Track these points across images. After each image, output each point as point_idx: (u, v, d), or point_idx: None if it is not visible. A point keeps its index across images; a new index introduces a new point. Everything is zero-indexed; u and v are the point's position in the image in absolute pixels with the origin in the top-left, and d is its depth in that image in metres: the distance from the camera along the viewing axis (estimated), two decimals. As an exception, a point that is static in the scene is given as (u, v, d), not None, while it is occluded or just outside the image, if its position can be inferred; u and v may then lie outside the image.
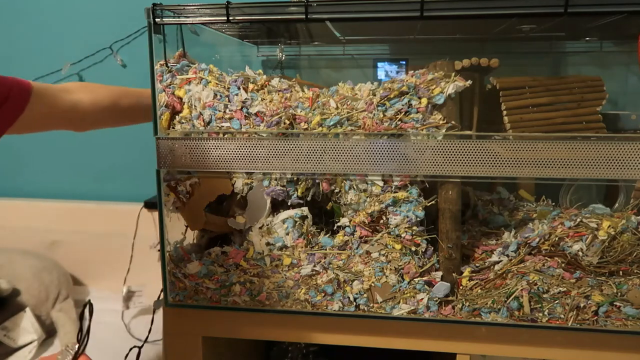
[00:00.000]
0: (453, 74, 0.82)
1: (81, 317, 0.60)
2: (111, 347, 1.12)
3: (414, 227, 0.83)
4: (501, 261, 0.86)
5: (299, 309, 0.85)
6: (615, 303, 0.78)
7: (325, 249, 0.88)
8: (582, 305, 0.79)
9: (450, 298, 0.83)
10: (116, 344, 1.16)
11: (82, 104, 0.88)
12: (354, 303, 0.83)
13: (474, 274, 0.85)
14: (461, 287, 0.85)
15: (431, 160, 0.80)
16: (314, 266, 0.86)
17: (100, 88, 0.92)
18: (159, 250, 0.88)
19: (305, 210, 0.91)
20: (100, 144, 1.51)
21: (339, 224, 0.89)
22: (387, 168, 0.82)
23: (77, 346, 0.62)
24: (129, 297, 1.37)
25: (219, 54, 1.12)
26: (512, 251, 0.86)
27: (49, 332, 1.26)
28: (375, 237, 0.85)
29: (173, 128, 0.88)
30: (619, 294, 0.79)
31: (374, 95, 0.85)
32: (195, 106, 0.88)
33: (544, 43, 1.18)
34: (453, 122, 0.81)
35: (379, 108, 0.83)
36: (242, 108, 0.87)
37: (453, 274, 0.85)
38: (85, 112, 0.88)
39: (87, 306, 0.60)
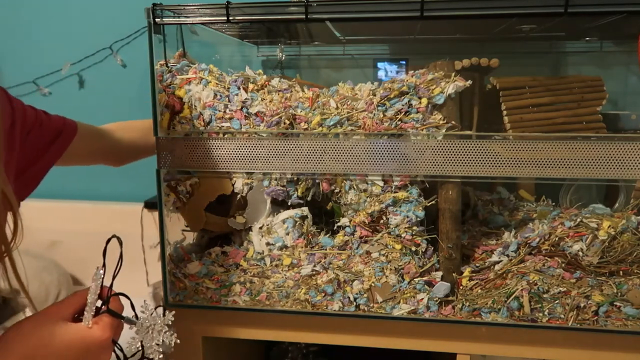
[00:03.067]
0: (453, 74, 0.82)
1: (104, 253, 0.58)
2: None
3: (414, 227, 0.83)
4: (501, 261, 0.86)
5: (299, 309, 0.85)
6: (615, 303, 0.78)
7: (326, 249, 0.88)
8: (582, 305, 0.79)
9: (450, 298, 0.83)
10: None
11: (120, 144, 0.93)
12: (354, 303, 0.83)
13: (474, 274, 0.85)
14: (461, 287, 0.85)
15: (431, 160, 0.80)
16: (314, 266, 0.86)
17: (136, 125, 0.97)
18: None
19: (305, 210, 0.91)
20: (100, 144, 1.50)
21: (339, 224, 0.89)
22: (387, 168, 0.82)
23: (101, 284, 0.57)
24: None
25: (219, 54, 1.12)
26: (512, 251, 0.86)
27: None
28: (376, 237, 0.85)
29: (173, 128, 0.88)
30: (619, 294, 0.79)
31: (374, 95, 0.85)
32: (195, 106, 0.88)
33: (544, 43, 1.18)
34: (453, 122, 0.81)
35: (379, 108, 0.83)
36: (242, 108, 0.87)
37: (453, 274, 0.85)
38: (122, 151, 0.94)
39: (114, 238, 0.59)
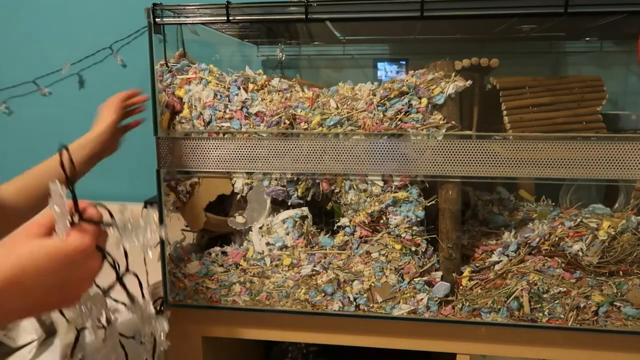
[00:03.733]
0: (453, 74, 0.82)
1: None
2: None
3: (414, 227, 0.83)
4: (501, 261, 0.86)
5: (299, 309, 0.85)
6: (615, 303, 0.78)
7: (325, 249, 0.88)
8: (582, 305, 0.79)
9: (450, 298, 0.83)
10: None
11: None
12: (354, 303, 0.83)
13: (474, 274, 0.85)
14: (461, 287, 0.85)
15: (431, 160, 0.80)
16: (314, 266, 0.86)
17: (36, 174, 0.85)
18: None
19: (305, 210, 0.91)
20: (100, 144, 1.50)
21: (339, 224, 0.89)
22: (387, 168, 0.82)
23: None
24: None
25: (219, 54, 1.12)
26: (512, 251, 0.86)
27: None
28: (375, 237, 0.85)
29: (173, 128, 0.88)
30: (619, 294, 0.79)
31: (374, 95, 0.85)
32: (195, 106, 0.88)
33: (544, 43, 1.18)
34: (453, 122, 0.81)
35: (379, 108, 0.83)
36: (242, 108, 0.87)
37: (453, 274, 0.85)
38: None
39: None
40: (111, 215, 0.56)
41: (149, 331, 0.59)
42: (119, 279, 0.58)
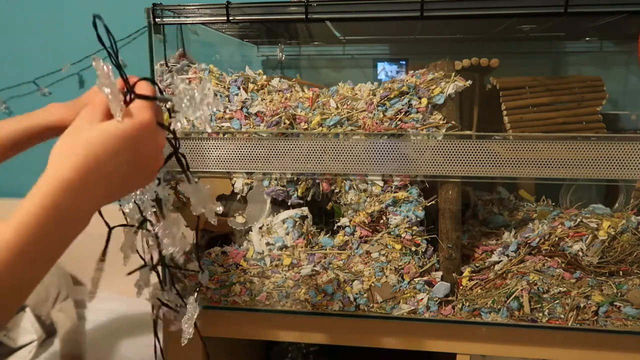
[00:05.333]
0: (453, 74, 0.82)
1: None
2: (109, 346, 1.12)
3: (414, 227, 0.83)
4: (501, 261, 0.86)
5: (299, 309, 0.85)
6: (615, 303, 0.78)
7: (325, 249, 0.88)
8: (582, 305, 0.79)
9: (450, 298, 0.83)
10: (113, 343, 1.16)
11: None
12: (354, 303, 0.83)
13: (474, 274, 0.85)
14: (461, 287, 0.85)
15: (431, 160, 0.80)
16: (314, 266, 0.86)
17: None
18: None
19: (305, 210, 0.91)
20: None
21: (339, 224, 0.89)
22: (387, 168, 0.82)
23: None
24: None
25: (219, 54, 1.12)
26: (512, 251, 0.86)
27: (49, 332, 1.26)
28: (375, 237, 0.85)
29: (173, 128, 0.88)
30: (619, 294, 0.79)
31: (374, 95, 0.85)
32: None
33: (544, 43, 1.18)
34: (453, 122, 0.81)
35: (379, 108, 0.83)
36: (242, 108, 0.87)
37: (453, 274, 0.85)
38: None
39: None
40: (161, 91, 0.54)
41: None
42: (175, 155, 0.58)
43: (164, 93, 0.55)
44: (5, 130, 0.71)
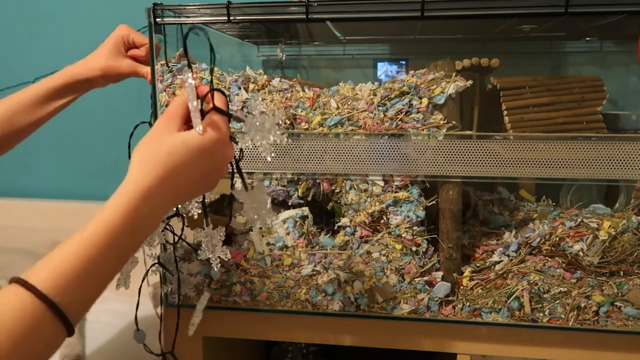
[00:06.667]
0: (454, 74, 0.82)
1: (185, 48, 0.57)
2: (110, 346, 1.12)
3: (415, 227, 0.83)
4: (502, 261, 0.86)
5: (299, 309, 0.85)
6: (615, 303, 0.78)
7: (326, 249, 0.88)
8: (582, 305, 0.79)
9: (450, 298, 0.83)
10: (114, 344, 1.16)
11: None
12: (355, 303, 0.83)
13: (475, 274, 0.85)
14: (462, 287, 0.85)
15: (432, 160, 0.80)
16: (315, 266, 0.86)
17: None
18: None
19: (305, 210, 0.91)
20: (101, 144, 1.51)
21: (339, 224, 0.89)
22: (387, 168, 0.82)
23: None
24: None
25: (219, 54, 1.12)
26: (512, 251, 0.86)
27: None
28: (376, 237, 0.85)
29: (173, 128, 0.88)
30: (620, 294, 0.79)
31: (375, 95, 0.85)
32: (195, 106, 0.88)
33: (544, 43, 1.18)
34: (454, 122, 0.81)
35: (380, 108, 0.83)
36: (242, 108, 0.87)
37: (454, 274, 0.85)
38: None
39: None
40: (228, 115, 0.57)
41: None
42: (237, 163, 0.61)
43: (230, 105, 0.59)
44: (50, 82, 0.87)
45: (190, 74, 0.52)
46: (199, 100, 0.53)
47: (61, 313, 0.43)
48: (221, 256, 0.63)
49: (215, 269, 0.65)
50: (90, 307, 0.48)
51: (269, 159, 0.58)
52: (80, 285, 0.45)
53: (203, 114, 0.53)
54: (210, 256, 0.62)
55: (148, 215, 0.50)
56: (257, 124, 0.56)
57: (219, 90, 0.56)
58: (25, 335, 0.41)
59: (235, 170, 0.61)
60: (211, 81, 0.57)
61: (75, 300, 0.45)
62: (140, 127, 1.03)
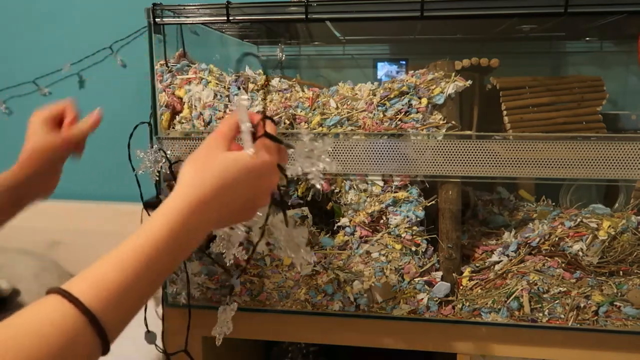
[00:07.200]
0: (453, 74, 0.82)
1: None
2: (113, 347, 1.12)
3: (414, 227, 0.83)
4: (501, 261, 0.86)
5: (299, 309, 0.85)
6: (615, 303, 0.78)
7: (326, 249, 0.88)
8: (582, 305, 0.79)
9: (450, 298, 0.83)
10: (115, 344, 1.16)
11: None
12: (354, 303, 0.83)
13: (474, 274, 0.85)
14: (461, 287, 0.85)
15: (431, 160, 0.80)
16: (314, 266, 0.86)
17: None
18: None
19: (305, 210, 0.91)
20: (100, 144, 1.50)
21: (339, 224, 0.89)
22: (387, 168, 0.82)
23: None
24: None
25: (219, 54, 1.12)
26: (512, 251, 0.86)
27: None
28: (376, 237, 0.85)
29: (173, 128, 0.88)
30: (619, 294, 0.79)
31: (374, 95, 0.85)
32: (195, 106, 0.88)
33: (544, 43, 1.18)
34: (453, 122, 0.81)
35: (379, 108, 0.83)
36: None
37: (453, 274, 0.85)
38: None
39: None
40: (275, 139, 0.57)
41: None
42: (281, 197, 0.62)
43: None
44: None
45: (245, 96, 0.53)
46: (250, 124, 0.53)
47: (101, 329, 0.41)
48: (236, 254, 0.63)
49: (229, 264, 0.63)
50: (126, 325, 0.46)
51: (318, 186, 0.58)
52: (122, 300, 0.43)
53: (254, 137, 0.54)
54: (228, 255, 0.63)
55: (194, 230, 0.49)
56: (307, 150, 0.56)
57: (269, 117, 0.56)
58: (64, 348, 0.39)
59: (276, 204, 0.61)
60: (264, 108, 0.61)
61: (115, 317, 0.43)
62: (140, 128, 1.03)
